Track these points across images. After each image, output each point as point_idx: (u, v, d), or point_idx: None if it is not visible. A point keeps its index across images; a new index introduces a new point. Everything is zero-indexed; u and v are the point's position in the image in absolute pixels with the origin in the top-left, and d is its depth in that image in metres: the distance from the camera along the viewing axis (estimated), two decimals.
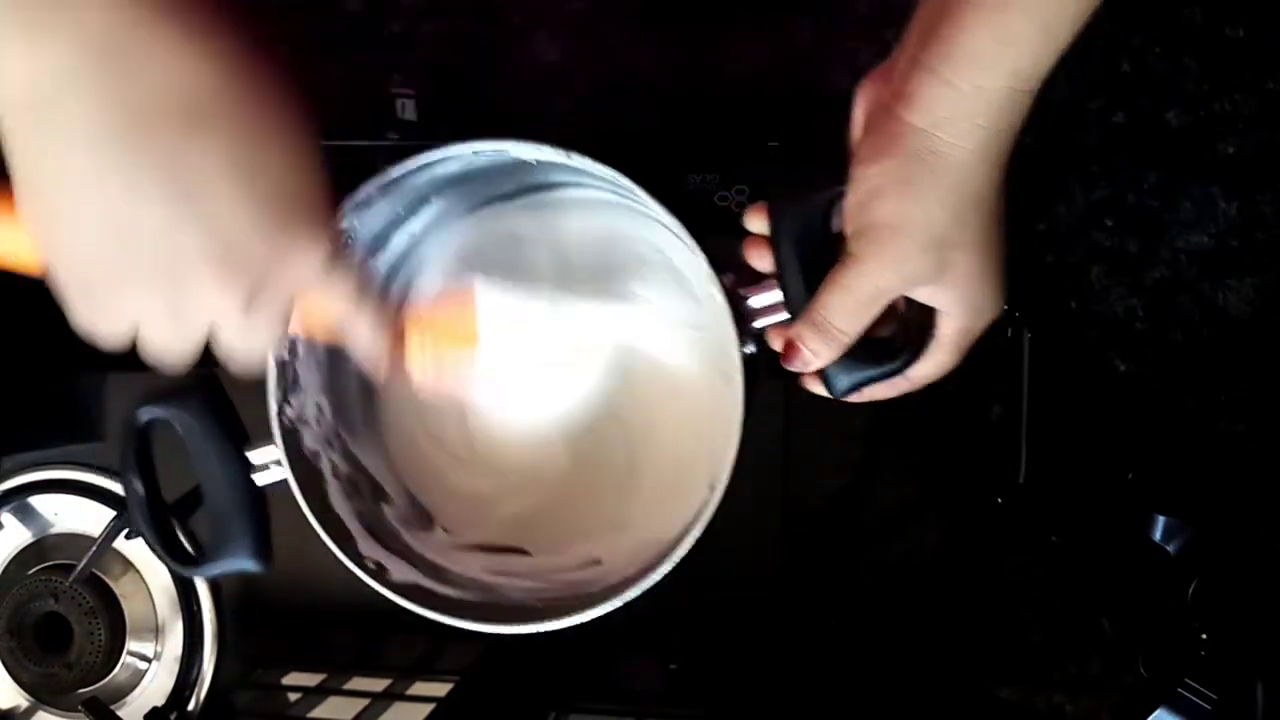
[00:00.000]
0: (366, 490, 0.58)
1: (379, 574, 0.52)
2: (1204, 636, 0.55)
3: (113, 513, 0.65)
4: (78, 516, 0.67)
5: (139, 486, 0.52)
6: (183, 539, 0.55)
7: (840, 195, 0.43)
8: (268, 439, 0.52)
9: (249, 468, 0.52)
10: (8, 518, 0.67)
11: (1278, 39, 0.60)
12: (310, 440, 0.55)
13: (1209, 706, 0.52)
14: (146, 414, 0.51)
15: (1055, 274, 0.62)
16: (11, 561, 0.67)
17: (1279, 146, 0.60)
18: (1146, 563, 0.58)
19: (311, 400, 0.56)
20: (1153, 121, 0.61)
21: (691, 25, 0.65)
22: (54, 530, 0.67)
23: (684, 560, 0.61)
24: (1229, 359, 0.61)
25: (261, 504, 0.52)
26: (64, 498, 0.67)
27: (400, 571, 0.55)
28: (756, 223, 0.48)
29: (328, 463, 0.56)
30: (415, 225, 0.57)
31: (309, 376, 0.55)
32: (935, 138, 0.39)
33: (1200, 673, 0.54)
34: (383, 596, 0.55)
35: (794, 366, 0.46)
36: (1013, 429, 0.59)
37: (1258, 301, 0.60)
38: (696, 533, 0.49)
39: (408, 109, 0.63)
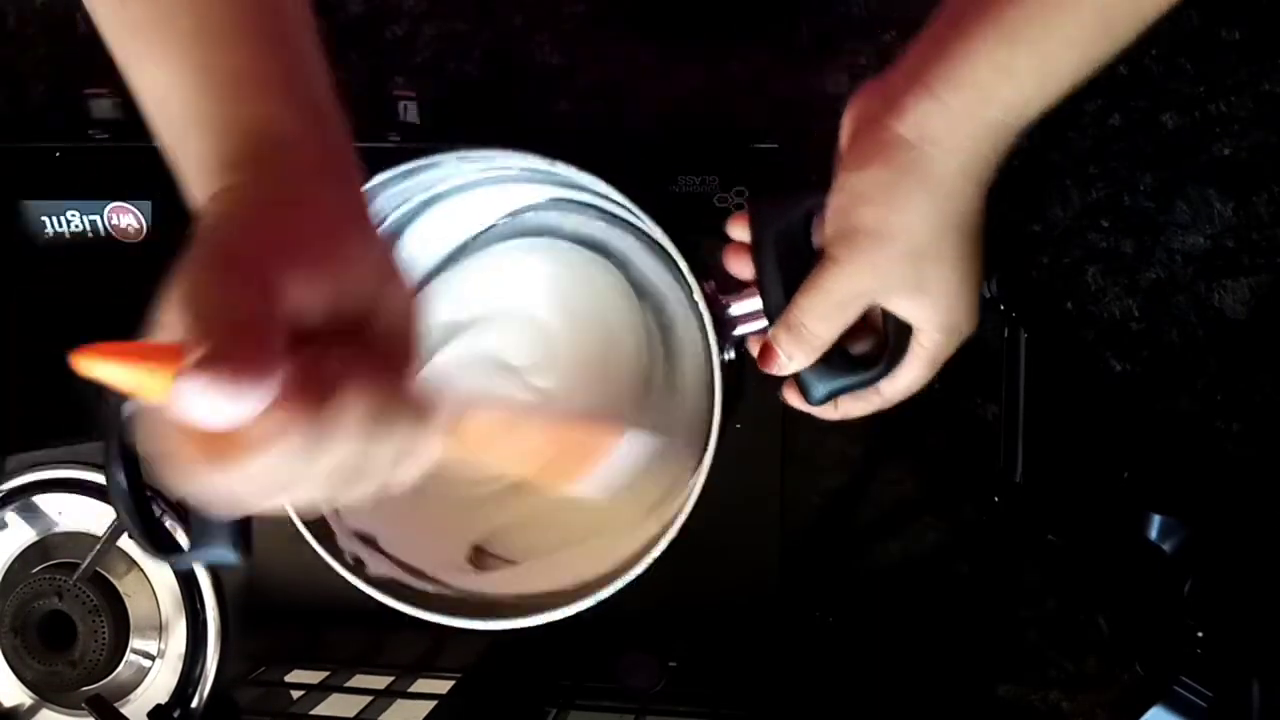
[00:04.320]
0: None
1: (357, 569, 0.53)
2: (1200, 634, 0.55)
3: None
4: (82, 515, 0.67)
5: (122, 478, 0.52)
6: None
7: (822, 205, 0.43)
8: None
9: None
10: (12, 516, 0.68)
11: (1273, 41, 0.60)
12: None
13: (1205, 704, 0.53)
14: (131, 406, 0.52)
15: (1051, 275, 0.62)
16: (16, 560, 0.67)
17: (1275, 148, 0.60)
18: (1143, 561, 0.58)
19: None
20: (1149, 123, 0.61)
21: (691, 28, 0.66)
22: (58, 529, 0.68)
23: (684, 560, 0.62)
24: (1225, 359, 0.61)
25: None
26: (68, 496, 0.67)
27: (378, 566, 0.55)
28: (738, 229, 0.48)
29: None
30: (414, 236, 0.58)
31: None
32: (923, 152, 0.40)
33: (1196, 670, 0.54)
34: None
35: (770, 369, 0.46)
36: (1009, 429, 0.59)
37: (1253, 302, 0.61)
38: (671, 534, 0.50)
39: (409, 111, 0.64)
